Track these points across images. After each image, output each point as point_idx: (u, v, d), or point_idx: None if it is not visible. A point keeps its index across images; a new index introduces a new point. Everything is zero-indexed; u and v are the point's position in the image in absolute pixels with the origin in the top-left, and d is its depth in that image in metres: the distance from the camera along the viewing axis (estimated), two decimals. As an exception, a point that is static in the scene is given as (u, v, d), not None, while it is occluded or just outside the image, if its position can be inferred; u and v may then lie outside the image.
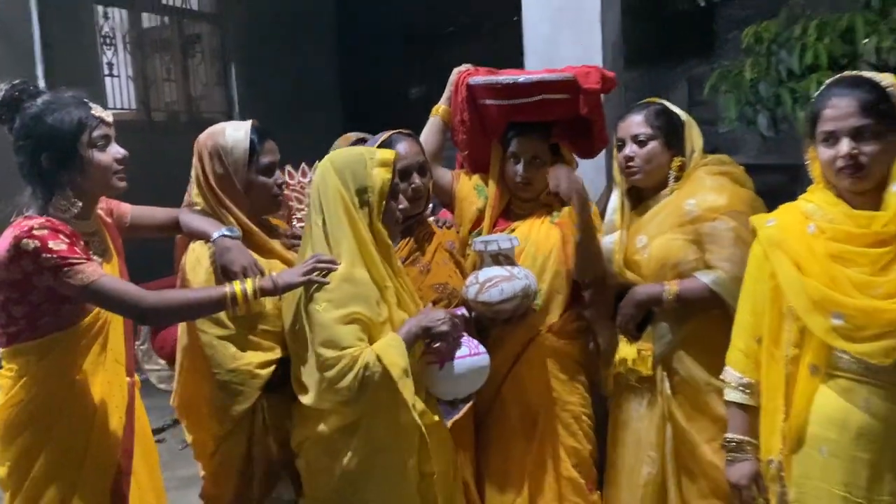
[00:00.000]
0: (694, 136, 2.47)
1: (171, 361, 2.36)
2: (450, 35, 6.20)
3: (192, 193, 2.28)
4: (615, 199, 2.54)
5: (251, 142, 2.24)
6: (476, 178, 2.73)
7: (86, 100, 2.01)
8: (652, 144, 2.42)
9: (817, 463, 1.82)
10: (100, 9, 5.24)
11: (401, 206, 2.17)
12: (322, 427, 2.04)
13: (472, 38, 5.87)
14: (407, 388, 1.96)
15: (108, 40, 5.30)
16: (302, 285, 1.99)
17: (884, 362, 1.73)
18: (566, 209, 2.52)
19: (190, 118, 5.99)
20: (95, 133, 1.97)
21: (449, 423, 2.25)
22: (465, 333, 2.13)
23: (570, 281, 2.52)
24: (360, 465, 2.02)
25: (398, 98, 6.23)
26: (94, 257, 1.98)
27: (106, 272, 1.97)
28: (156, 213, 2.32)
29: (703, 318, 2.32)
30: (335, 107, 6.79)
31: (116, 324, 2.06)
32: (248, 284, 1.97)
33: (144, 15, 5.77)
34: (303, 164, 2.74)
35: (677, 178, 2.43)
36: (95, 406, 2.00)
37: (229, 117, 6.04)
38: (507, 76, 2.57)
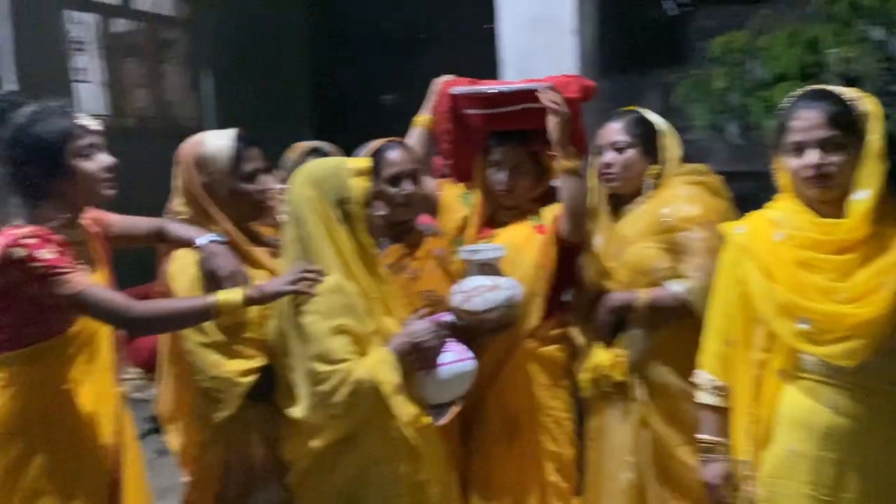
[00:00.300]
0: (671, 145, 2.51)
1: (147, 369, 2.35)
2: (424, 42, 6.22)
3: (175, 203, 2.27)
4: (593, 203, 2.58)
5: (236, 150, 2.23)
6: (461, 186, 2.76)
7: (70, 109, 2.01)
8: (630, 152, 2.46)
9: (785, 462, 1.88)
10: (71, 14, 5.18)
11: (380, 213, 2.17)
12: (314, 442, 2.03)
13: (447, 45, 5.88)
14: (399, 405, 1.97)
15: (79, 45, 5.24)
16: (289, 294, 1.98)
17: (848, 364, 1.79)
18: (546, 211, 2.55)
19: (162, 124, 5.94)
20: (81, 142, 1.97)
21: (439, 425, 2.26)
22: (451, 339, 2.15)
23: (548, 283, 2.53)
24: (355, 479, 2.03)
25: (371, 105, 6.23)
26: (82, 266, 1.96)
27: (94, 282, 1.96)
28: (140, 223, 2.31)
29: (676, 326, 2.37)
30: (308, 113, 6.77)
31: (104, 333, 2.05)
32: (236, 293, 1.96)
33: (115, 20, 5.72)
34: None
35: (654, 186, 2.47)
36: (85, 416, 1.98)
37: (200, 123, 6.01)
38: (488, 86, 2.61)
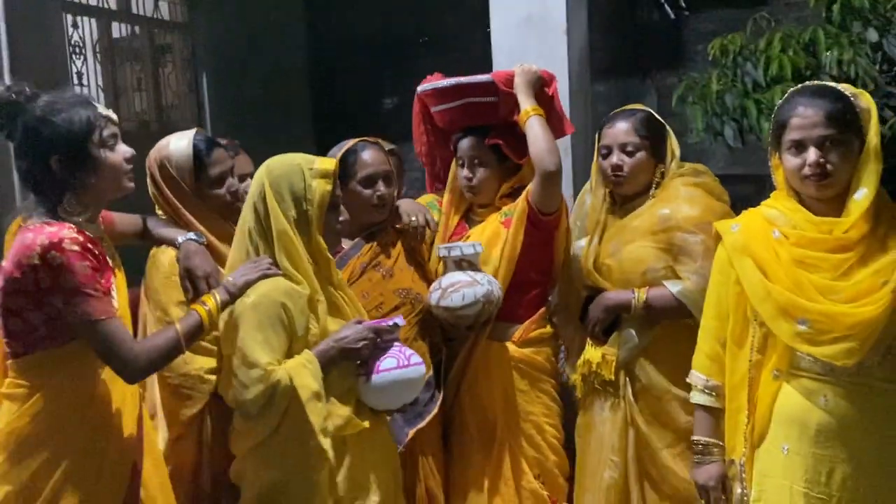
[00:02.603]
0: (673, 145, 2.52)
1: None
2: (421, 44, 6.22)
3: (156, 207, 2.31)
4: (589, 202, 2.58)
5: (198, 153, 2.26)
6: (427, 196, 2.84)
7: (88, 98, 1.96)
8: (640, 154, 2.45)
9: (779, 461, 1.88)
10: (69, 17, 5.18)
11: (341, 218, 2.15)
12: (242, 443, 2.04)
13: (444, 47, 5.90)
14: (315, 412, 1.93)
15: (77, 49, 5.24)
16: (257, 280, 1.98)
17: (847, 363, 1.79)
18: (515, 206, 2.53)
19: (160, 127, 5.94)
20: (105, 132, 1.91)
21: (410, 434, 2.25)
22: (397, 343, 2.13)
23: (518, 276, 2.51)
24: (276, 486, 2.00)
25: (369, 106, 6.23)
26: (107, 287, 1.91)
27: (117, 285, 1.95)
28: (130, 221, 2.30)
29: (668, 327, 2.37)
30: (306, 115, 6.77)
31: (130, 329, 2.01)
32: (210, 303, 1.94)
33: (114, 24, 5.72)
34: None
35: (657, 185, 2.46)
36: (112, 415, 1.95)
37: (200, 125, 6.01)
38: (435, 81, 2.65)
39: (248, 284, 1.98)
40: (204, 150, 2.28)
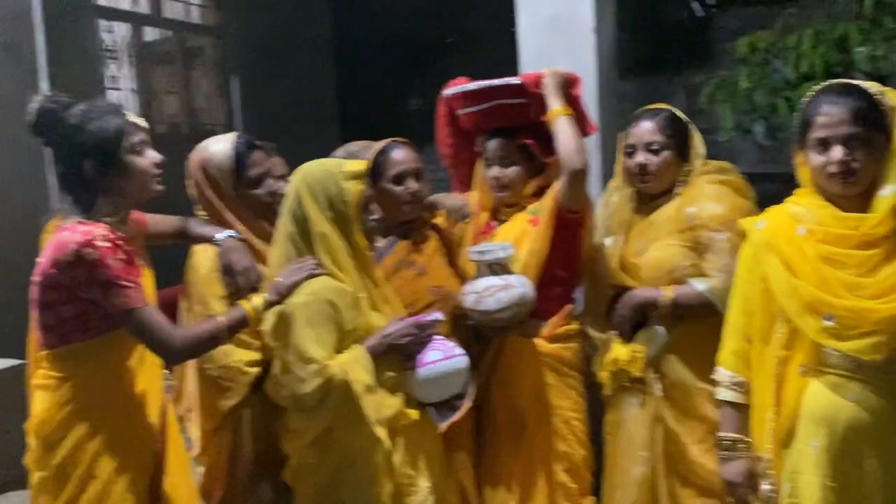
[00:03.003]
0: (697, 143, 2.51)
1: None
2: (448, 46, 6.24)
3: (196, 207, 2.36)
4: (615, 201, 2.58)
5: (238, 154, 2.31)
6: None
7: (118, 106, 2.09)
8: (665, 153, 2.45)
9: (808, 458, 1.87)
10: (103, 23, 5.28)
11: (374, 217, 2.22)
12: (298, 439, 2.10)
13: (471, 49, 5.91)
14: (369, 405, 2.01)
15: (110, 54, 5.34)
16: (304, 280, 2.06)
17: (874, 358, 1.78)
18: (542, 204, 2.54)
19: (191, 130, 6.03)
20: (134, 139, 2.05)
21: (444, 426, 2.28)
22: (438, 336, 2.19)
23: (547, 271, 2.51)
24: (334, 479, 2.07)
25: (396, 109, 6.26)
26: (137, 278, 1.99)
27: (145, 283, 2.02)
28: (168, 222, 2.39)
29: (696, 323, 2.36)
30: (333, 117, 6.83)
31: None
32: (257, 301, 2.05)
33: (146, 28, 5.82)
34: None
35: (682, 184, 2.47)
36: (138, 405, 2.05)
37: (230, 128, 6.08)
38: (463, 84, 2.67)
39: (295, 285, 2.06)
40: (244, 151, 2.35)
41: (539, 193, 2.61)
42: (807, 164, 1.90)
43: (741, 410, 2.02)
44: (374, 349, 2.08)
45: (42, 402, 1.99)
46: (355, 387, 1.99)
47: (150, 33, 5.91)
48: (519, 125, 2.59)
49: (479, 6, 6.00)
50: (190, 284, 2.28)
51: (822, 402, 1.86)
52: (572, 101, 2.53)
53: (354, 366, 2.02)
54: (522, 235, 2.55)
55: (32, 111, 2.03)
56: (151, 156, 2.09)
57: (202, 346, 2.04)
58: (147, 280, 2.13)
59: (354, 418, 2.01)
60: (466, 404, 2.35)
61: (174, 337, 1.96)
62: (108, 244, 1.90)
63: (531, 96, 2.53)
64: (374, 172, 2.49)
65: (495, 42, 5.27)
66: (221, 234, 2.27)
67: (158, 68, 5.95)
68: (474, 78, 2.74)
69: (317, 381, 1.97)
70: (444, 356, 2.16)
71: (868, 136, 1.81)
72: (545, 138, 2.56)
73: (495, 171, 2.59)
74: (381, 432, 2.01)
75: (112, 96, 5.44)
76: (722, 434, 2.05)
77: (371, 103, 6.47)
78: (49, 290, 1.94)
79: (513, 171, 2.58)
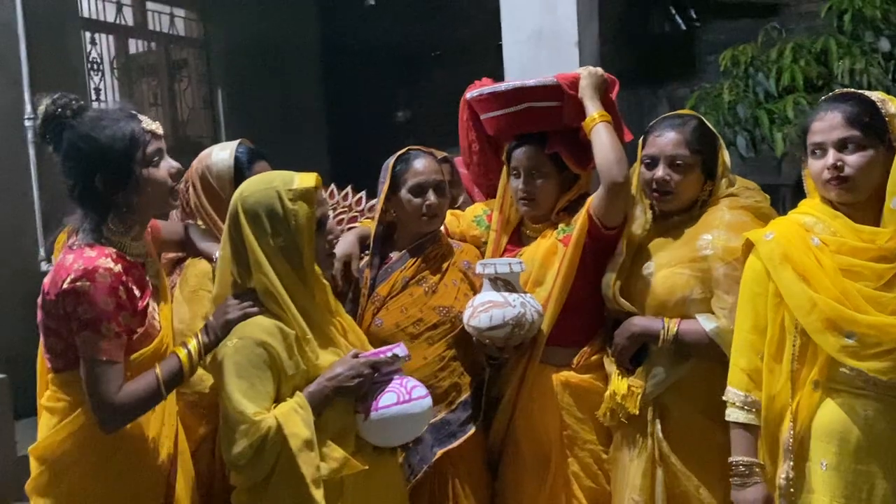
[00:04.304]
0: (725, 158, 2.25)
1: None
2: (435, 59, 6.26)
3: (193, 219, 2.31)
4: (632, 218, 2.29)
5: (239, 164, 2.25)
6: (477, 205, 2.61)
7: (133, 111, 1.87)
8: (690, 170, 2.17)
9: (819, 477, 1.80)
10: (87, 35, 5.27)
11: (329, 237, 1.99)
12: (238, 478, 1.91)
13: (457, 61, 5.93)
14: (307, 463, 1.78)
15: (95, 66, 5.32)
16: (238, 320, 1.84)
17: (894, 378, 1.71)
18: (574, 221, 2.31)
19: (176, 142, 6.01)
20: (149, 149, 1.84)
21: (438, 454, 2.20)
22: (398, 375, 1.96)
23: (577, 296, 2.29)
24: None
25: (383, 120, 6.27)
26: (149, 279, 1.87)
27: (160, 303, 1.89)
28: (177, 229, 2.24)
29: (701, 362, 2.15)
30: (321, 129, 6.82)
31: (170, 345, 1.97)
32: (192, 345, 1.86)
33: (131, 41, 5.81)
34: (348, 188, 2.78)
35: (703, 204, 2.22)
36: (150, 437, 1.90)
37: (215, 140, 6.06)
38: (493, 85, 2.45)
39: (229, 324, 1.83)
40: (245, 161, 2.24)
41: (569, 209, 2.37)
42: (809, 171, 1.87)
43: (754, 433, 1.88)
44: (318, 394, 1.84)
45: (48, 425, 1.84)
46: (292, 442, 1.76)
47: (135, 45, 5.89)
48: (547, 131, 2.35)
49: (465, 19, 6.03)
50: (177, 301, 2.23)
51: (833, 420, 1.79)
52: (609, 106, 2.29)
53: (292, 417, 1.78)
54: (550, 256, 2.32)
55: (40, 115, 1.84)
56: (167, 166, 1.87)
57: (143, 405, 1.82)
58: (163, 299, 2.00)
59: (289, 476, 1.80)
60: (468, 432, 2.24)
61: (118, 404, 1.76)
62: (109, 280, 1.73)
63: (567, 98, 2.29)
64: (393, 180, 2.36)
65: (481, 55, 5.29)
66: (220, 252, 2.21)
67: (143, 80, 5.93)
68: (460, 90, 2.69)
69: (246, 441, 1.76)
70: (398, 400, 1.90)
71: (864, 141, 1.76)
72: (577, 146, 2.35)
73: (523, 183, 2.34)
74: (318, 494, 1.79)
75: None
76: (736, 459, 1.90)
77: (358, 115, 6.48)
78: (49, 317, 1.80)
79: (542, 183, 2.33)
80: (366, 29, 6.37)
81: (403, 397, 1.91)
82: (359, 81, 6.51)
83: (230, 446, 1.78)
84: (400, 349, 1.97)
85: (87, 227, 1.81)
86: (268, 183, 1.88)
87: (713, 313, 2.11)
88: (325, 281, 1.98)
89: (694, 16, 5.49)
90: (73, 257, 1.75)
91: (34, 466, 1.87)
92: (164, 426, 1.94)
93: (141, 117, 1.85)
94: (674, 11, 5.57)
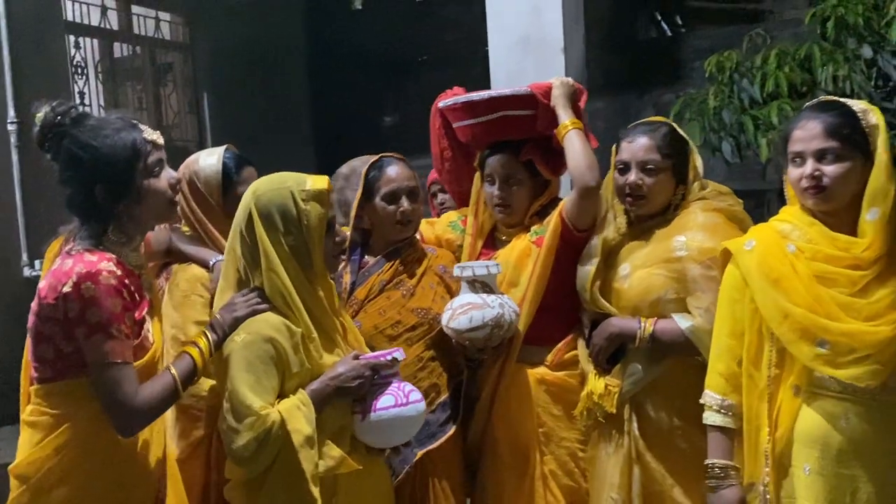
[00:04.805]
0: (696, 163, 2.32)
1: None
2: (422, 64, 6.27)
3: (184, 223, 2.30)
4: (601, 220, 2.36)
5: (227, 169, 2.25)
6: (451, 213, 2.68)
7: (135, 121, 1.85)
8: (661, 174, 2.23)
9: (802, 482, 1.81)
10: (71, 38, 5.23)
11: (337, 239, 2.03)
12: (234, 472, 1.94)
13: (443, 66, 5.94)
14: (307, 459, 1.83)
15: (79, 70, 5.29)
16: (247, 317, 1.87)
17: (871, 385, 1.74)
18: (546, 223, 2.40)
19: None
20: (150, 159, 1.82)
21: (418, 454, 2.22)
22: (396, 379, 2.00)
23: (551, 296, 2.36)
24: None
25: (369, 125, 6.27)
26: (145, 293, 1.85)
27: (153, 315, 1.87)
28: (164, 237, 2.23)
29: (678, 361, 2.20)
30: (307, 134, 6.81)
31: (160, 358, 1.95)
32: (202, 343, 1.86)
33: (116, 44, 5.78)
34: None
35: (676, 207, 2.28)
36: (139, 453, 1.87)
37: (201, 145, 6.04)
38: (467, 94, 2.51)
39: (237, 322, 1.85)
40: (233, 167, 2.26)
41: (541, 213, 2.46)
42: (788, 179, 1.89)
43: (730, 435, 1.91)
44: (320, 393, 1.88)
45: (31, 442, 1.78)
46: (294, 437, 1.81)
47: (120, 49, 5.86)
48: (521, 139, 2.42)
49: (452, 25, 6.05)
50: (166, 306, 2.22)
51: (815, 425, 1.80)
52: (578, 115, 2.37)
53: (295, 414, 1.83)
54: (524, 257, 2.40)
55: (38, 123, 1.80)
56: (168, 176, 1.85)
57: (163, 405, 1.82)
58: (157, 311, 1.99)
59: (289, 471, 1.84)
60: (448, 432, 2.27)
61: (139, 405, 1.74)
62: (114, 282, 1.70)
63: (541, 107, 2.37)
64: (366, 188, 2.39)
65: (468, 60, 5.31)
66: (214, 258, 2.19)
67: (128, 84, 5.90)
68: (457, 93, 2.69)
69: (251, 434, 1.79)
70: (396, 402, 1.95)
71: (842, 152, 1.79)
72: (550, 153, 2.42)
73: (498, 189, 2.41)
74: (315, 490, 1.83)
75: (81, 112, 5.39)
76: (711, 461, 1.93)
77: (344, 120, 6.47)
78: (44, 322, 1.74)
79: (517, 189, 2.41)
80: (353, 34, 6.36)
81: (401, 400, 1.96)
82: (345, 86, 6.51)
83: (235, 438, 1.81)
84: (399, 353, 2.02)
85: (86, 234, 1.78)
86: (281, 183, 1.92)
87: (689, 313, 2.16)
88: (331, 281, 2.01)
89: (679, 22, 5.53)
90: (73, 261, 1.72)
91: (14, 486, 1.80)
92: (152, 441, 1.91)
93: (142, 127, 1.84)
94: (660, 18, 5.61)
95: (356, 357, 1.97)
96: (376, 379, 1.96)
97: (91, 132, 1.78)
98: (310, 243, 1.90)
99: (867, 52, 3.04)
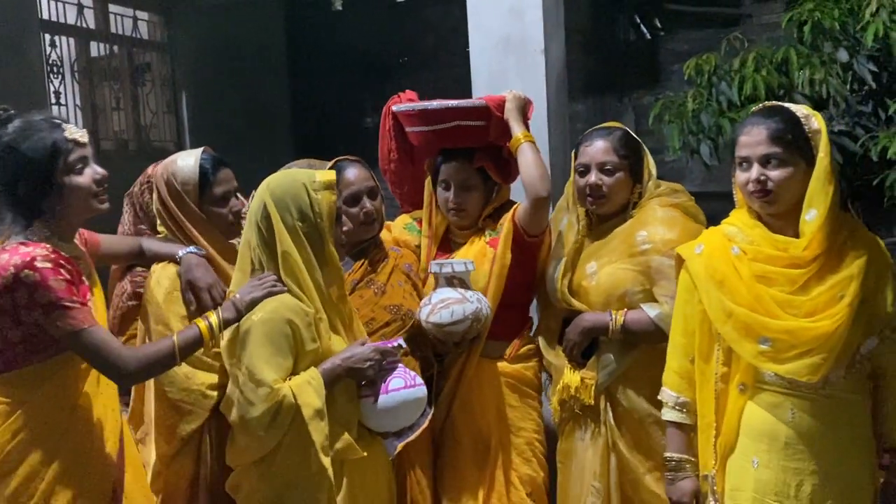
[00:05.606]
0: (650, 164, 2.48)
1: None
2: (403, 65, 6.27)
3: (158, 224, 2.31)
4: (565, 222, 2.56)
5: (204, 171, 2.27)
6: (404, 217, 2.77)
7: (58, 121, 1.97)
8: (619, 174, 2.40)
9: (750, 475, 1.90)
10: (47, 37, 5.16)
11: (344, 229, 2.18)
12: (242, 457, 2.03)
13: (424, 68, 5.94)
14: (317, 431, 1.94)
15: (55, 69, 5.22)
16: (264, 298, 2.00)
17: (812, 379, 1.81)
18: (500, 226, 2.53)
19: (139, 147, 5.92)
20: (71, 157, 1.93)
21: (399, 447, 2.26)
22: (400, 364, 2.14)
23: (507, 294, 2.50)
24: (272, 499, 2.00)
25: (350, 126, 6.25)
26: (84, 280, 1.93)
27: (95, 302, 1.95)
28: (123, 241, 2.33)
29: (648, 351, 2.32)
30: (287, 135, 6.78)
31: None
32: (213, 319, 1.99)
33: (93, 43, 5.71)
34: None
35: (634, 206, 2.44)
36: (94, 431, 1.96)
37: (179, 146, 5.99)
38: (422, 103, 2.62)
39: (254, 302, 2.00)
40: (210, 168, 2.29)
41: (493, 216, 2.60)
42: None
43: (686, 430, 2.03)
44: (331, 372, 2.01)
45: None
46: (304, 411, 1.93)
47: (97, 48, 5.79)
48: (474, 147, 2.56)
49: (433, 26, 6.05)
50: (149, 305, 2.22)
51: (762, 419, 1.89)
52: (527, 126, 2.52)
53: (306, 388, 1.95)
54: (480, 257, 2.53)
55: None
56: (91, 173, 1.97)
57: (156, 366, 1.96)
58: (98, 300, 2.05)
59: (301, 444, 1.95)
60: (423, 424, 2.33)
61: (127, 357, 1.89)
62: (49, 264, 1.82)
63: (494, 119, 2.51)
64: None
65: (448, 62, 5.31)
66: (182, 251, 2.22)
67: (105, 84, 5.83)
68: (426, 96, 2.73)
69: (265, 406, 1.92)
70: (406, 384, 2.11)
71: (786, 156, 1.86)
72: (501, 161, 2.57)
73: (453, 195, 2.55)
74: (327, 461, 1.95)
75: (56, 112, 5.31)
76: (668, 454, 2.05)
77: (324, 121, 6.46)
78: None
79: (471, 194, 2.55)
80: (333, 34, 6.35)
81: (410, 382, 2.13)
82: (326, 87, 6.49)
83: (250, 410, 1.93)
84: (400, 341, 2.19)
85: (18, 230, 1.89)
86: (292, 177, 2.09)
87: (656, 302, 2.32)
88: (340, 268, 2.13)
89: (659, 25, 5.57)
90: (9, 255, 1.83)
91: None
92: (106, 420, 1.99)
93: (65, 126, 1.96)
94: (639, 21, 5.64)
95: (363, 343, 2.12)
96: (384, 364, 2.09)
97: (14, 133, 1.91)
98: (322, 229, 2.04)
99: (843, 55, 3.08)
